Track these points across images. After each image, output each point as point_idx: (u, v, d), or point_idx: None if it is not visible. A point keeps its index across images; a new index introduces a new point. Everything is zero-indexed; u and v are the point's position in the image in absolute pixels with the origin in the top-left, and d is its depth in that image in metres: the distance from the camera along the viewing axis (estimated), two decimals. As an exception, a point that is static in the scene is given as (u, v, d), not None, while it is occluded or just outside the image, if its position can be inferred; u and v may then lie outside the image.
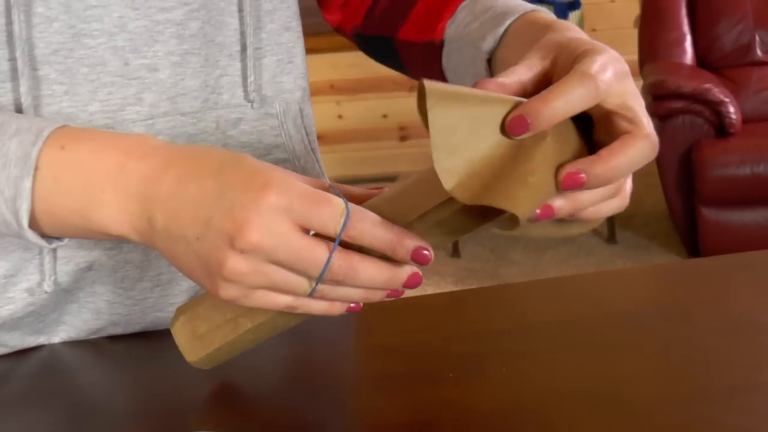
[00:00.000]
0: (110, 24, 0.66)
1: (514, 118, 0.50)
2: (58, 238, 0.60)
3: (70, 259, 0.68)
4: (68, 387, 0.65)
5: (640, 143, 0.52)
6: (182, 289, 0.72)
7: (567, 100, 0.51)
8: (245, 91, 0.72)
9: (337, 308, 0.55)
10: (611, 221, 3.49)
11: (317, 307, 0.55)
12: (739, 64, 3.54)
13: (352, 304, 0.56)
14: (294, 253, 0.51)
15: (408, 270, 0.53)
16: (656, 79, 3.14)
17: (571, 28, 0.59)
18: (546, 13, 0.65)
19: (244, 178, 0.52)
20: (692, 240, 3.20)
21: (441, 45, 0.74)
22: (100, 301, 0.70)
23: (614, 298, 0.75)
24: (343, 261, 0.52)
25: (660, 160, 3.17)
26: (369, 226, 0.51)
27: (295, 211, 0.51)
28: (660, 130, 3.14)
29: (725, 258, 0.81)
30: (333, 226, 0.51)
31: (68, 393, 0.64)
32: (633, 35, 3.76)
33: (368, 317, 0.73)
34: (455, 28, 0.72)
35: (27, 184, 0.57)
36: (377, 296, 0.55)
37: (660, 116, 3.14)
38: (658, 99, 3.12)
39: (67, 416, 0.61)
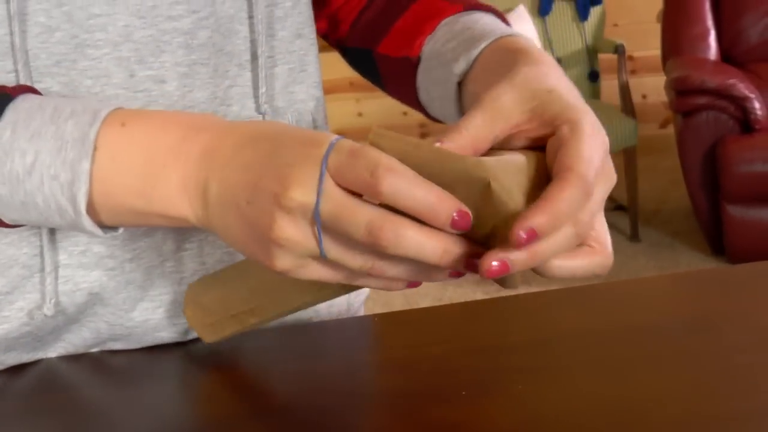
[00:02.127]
0: (115, 33, 0.63)
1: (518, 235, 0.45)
2: (113, 229, 0.58)
3: (69, 278, 0.65)
4: (65, 404, 0.63)
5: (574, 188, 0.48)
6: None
7: (569, 206, 0.46)
8: (257, 102, 0.69)
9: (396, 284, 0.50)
10: (634, 219, 3.46)
11: (375, 283, 0.51)
12: (764, 58, 3.49)
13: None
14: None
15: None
16: (680, 75, 3.11)
17: (544, 61, 0.55)
18: (522, 39, 0.61)
19: (302, 137, 0.49)
20: (717, 237, 3.17)
21: (417, 62, 0.72)
22: (101, 322, 0.68)
23: (637, 309, 0.72)
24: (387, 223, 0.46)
25: (684, 156, 3.14)
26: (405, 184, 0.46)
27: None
28: (684, 126, 3.11)
29: (754, 266, 0.78)
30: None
31: (65, 410, 0.62)
32: (656, 30, 3.73)
33: (379, 329, 0.71)
34: (432, 45, 0.70)
35: (85, 165, 0.54)
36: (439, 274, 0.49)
37: (684, 112, 3.10)
38: (681, 94, 3.09)
39: (64, 435, 0.59)
